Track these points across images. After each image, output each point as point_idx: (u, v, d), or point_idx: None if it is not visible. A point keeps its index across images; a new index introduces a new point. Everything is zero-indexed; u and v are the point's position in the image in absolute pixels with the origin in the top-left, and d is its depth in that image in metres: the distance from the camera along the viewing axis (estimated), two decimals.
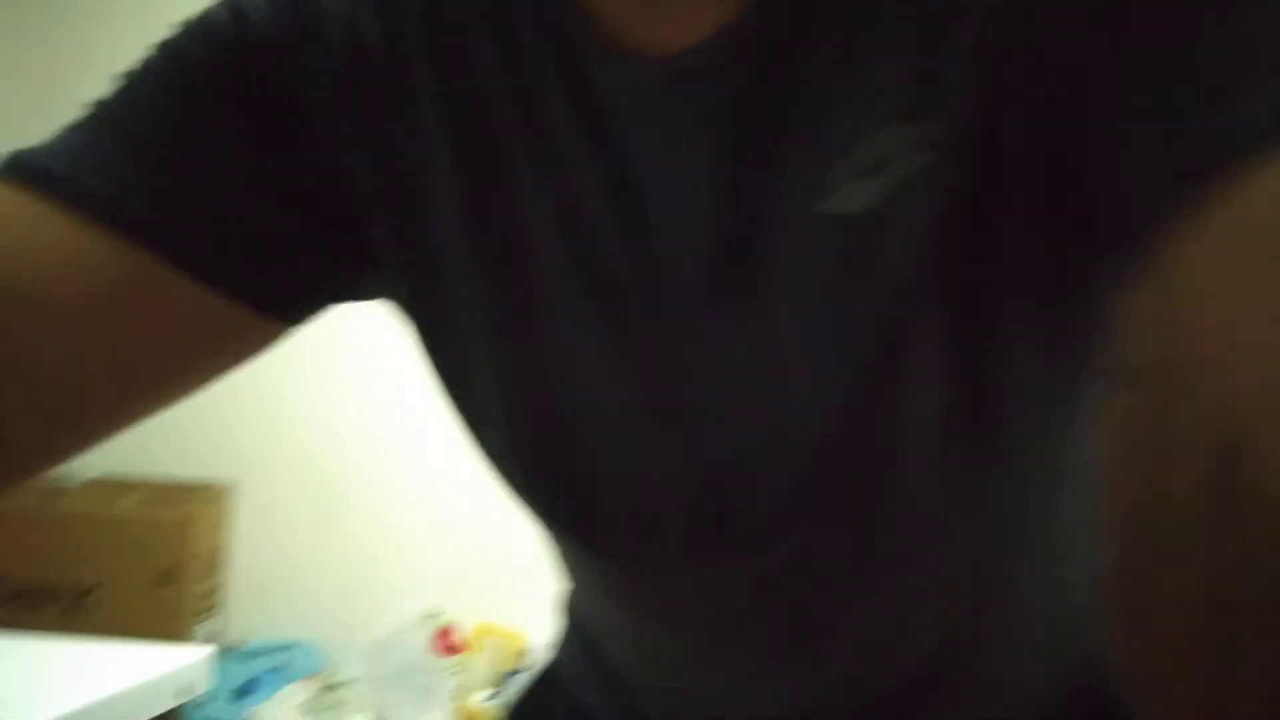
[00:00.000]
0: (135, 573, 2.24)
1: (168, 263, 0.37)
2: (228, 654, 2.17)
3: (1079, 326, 0.39)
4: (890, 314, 0.37)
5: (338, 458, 2.43)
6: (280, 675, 2.23)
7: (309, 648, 2.34)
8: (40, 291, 0.36)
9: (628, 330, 0.41)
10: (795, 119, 0.36)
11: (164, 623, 2.18)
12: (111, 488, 2.37)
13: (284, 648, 2.31)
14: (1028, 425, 0.41)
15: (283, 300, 0.41)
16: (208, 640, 2.22)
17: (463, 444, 0.47)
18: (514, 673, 2.11)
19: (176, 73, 0.40)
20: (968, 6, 0.33)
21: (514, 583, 2.09)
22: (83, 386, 0.38)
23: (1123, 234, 0.30)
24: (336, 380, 2.41)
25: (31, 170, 0.37)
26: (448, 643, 2.26)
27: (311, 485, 2.44)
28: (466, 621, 2.26)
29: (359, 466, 2.42)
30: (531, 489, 0.45)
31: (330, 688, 2.23)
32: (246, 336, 0.41)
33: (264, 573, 2.45)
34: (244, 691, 2.15)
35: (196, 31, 0.41)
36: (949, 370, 0.37)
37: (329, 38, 0.41)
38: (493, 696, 2.11)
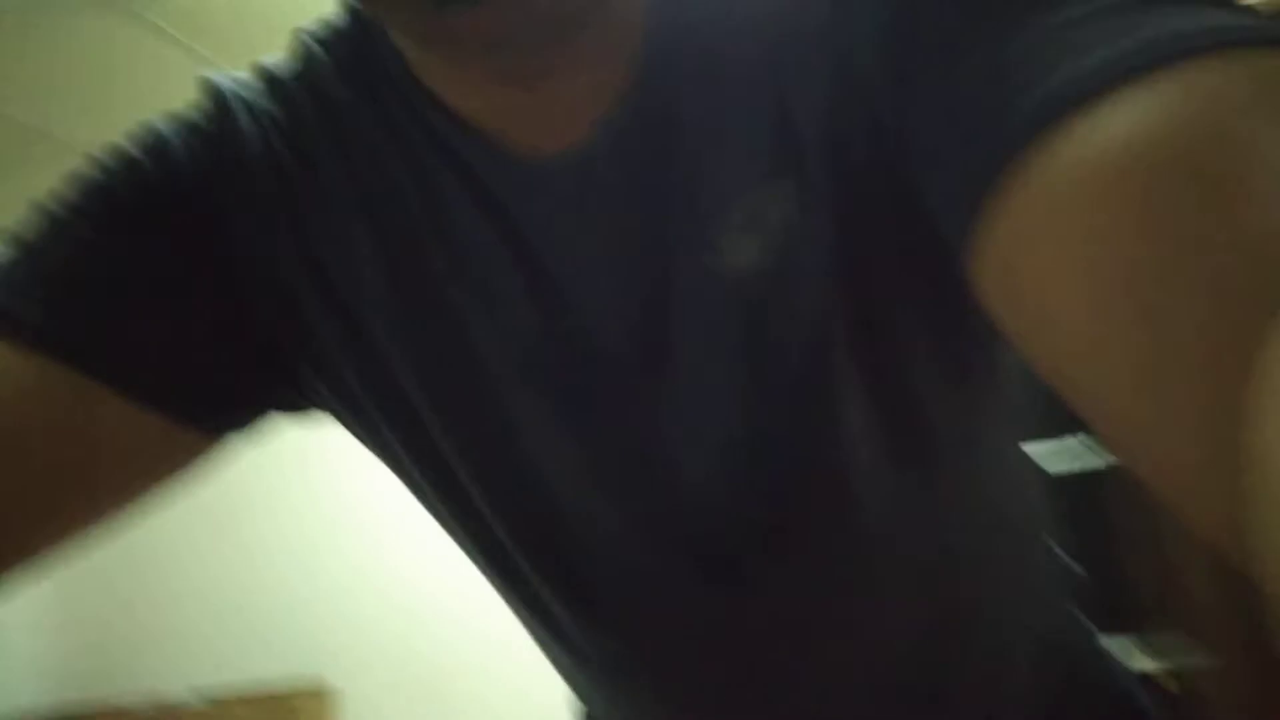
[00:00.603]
0: None
1: (99, 382, 0.38)
2: None
3: (966, 319, 0.41)
4: (798, 350, 0.40)
5: (439, 635, 2.46)
6: None
7: None
8: None
9: (560, 401, 0.43)
10: (676, 190, 0.39)
11: None
12: (225, 705, 2.43)
13: None
14: (944, 420, 0.43)
15: (210, 414, 0.42)
16: None
17: None
18: None
19: (102, 211, 0.41)
20: (811, 70, 0.37)
21: None
22: (27, 503, 0.38)
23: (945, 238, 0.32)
24: (425, 556, 2.45)
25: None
26: None
27: (416, 670, 2.46)
28: None
29: (458, 644, 2.44)
30: (520, 567, 0.47)
31: None
32: (182, 449, 0.42)
33: None
34: None
35: (119, 172, 0.42)
36: (867, 389, 0.40)
37: (246, 165, 0.42)
38: None
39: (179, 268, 0.41)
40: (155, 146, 0.43)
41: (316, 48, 0.45)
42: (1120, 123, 0.25)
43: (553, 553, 0.46)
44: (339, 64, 0.44)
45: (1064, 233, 0.25)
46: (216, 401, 0.42)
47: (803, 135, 0.37)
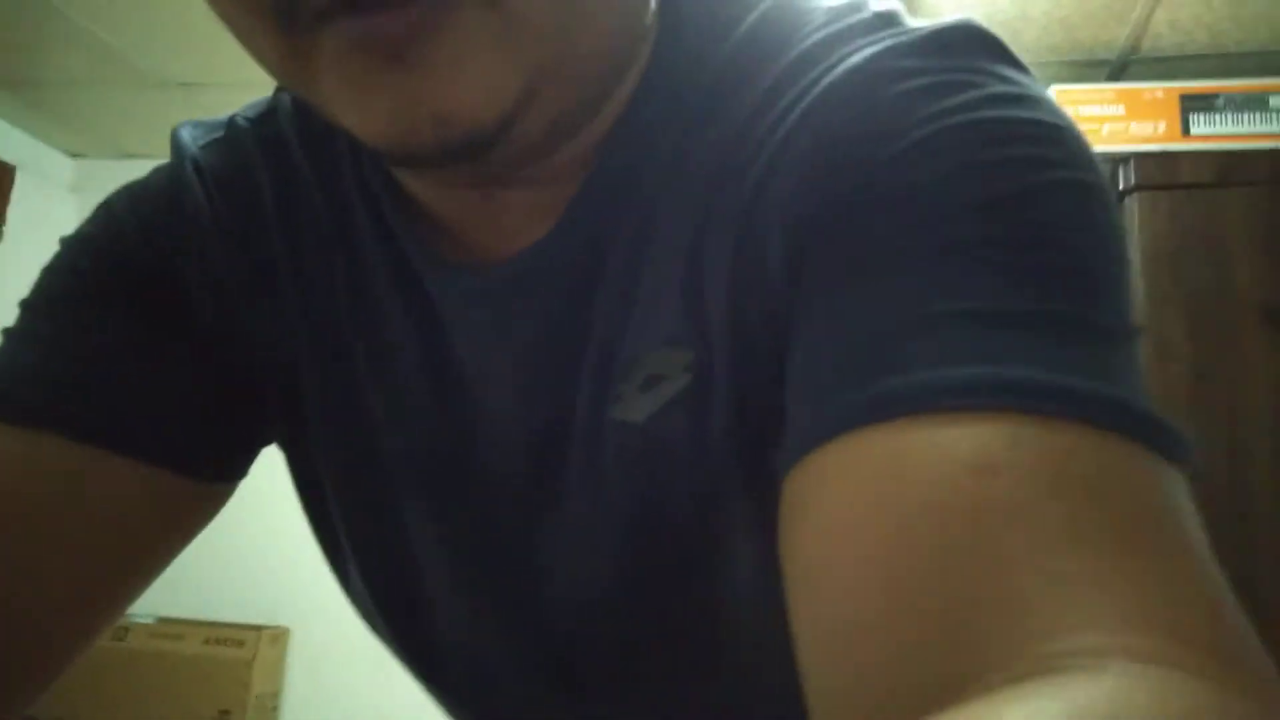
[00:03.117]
0: (196, 712, 2.29)
1: (99, 448, 0.39)
2: None
3: None
4: (690, 500, 0.40)
5: None
6: None
7: None
8: None
9: (450, 515, 0.44)
10: (589, 331, 0.39)
11: None
12: (175, 626, 2.47)
13: None
14: None
15: (204, 462, 0.43)
16: None
17: None
18: None
19: (71, 286, 0.43)
20: (725, 241, 0.36)
21: None
22: (52, 592, 0.39)
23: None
24: None
25: None
26: None
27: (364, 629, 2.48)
28: None
29: None
30: (393, 645, 0.51)
31: None
32: (187, 503, 0.43)
33: (319, 715, 2.46)
34: None
35: (79, 247, 0.44)
36: (759, 530, 0.39)
37: (196, 237, 0.43)
38: None
39: (144, 330, 0.42)
40: (109, 220, 0.44)
41: (287, 101, 0.45)
42: (928, 448, 0.26)
43: (425, 653, 0.49)
44: (303, 126, 0.44)
45: (833, 525, 0.27)
46: (201, 449, 0.43)
47: (710, 306, 0.37)
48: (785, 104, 0.35)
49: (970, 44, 0.34)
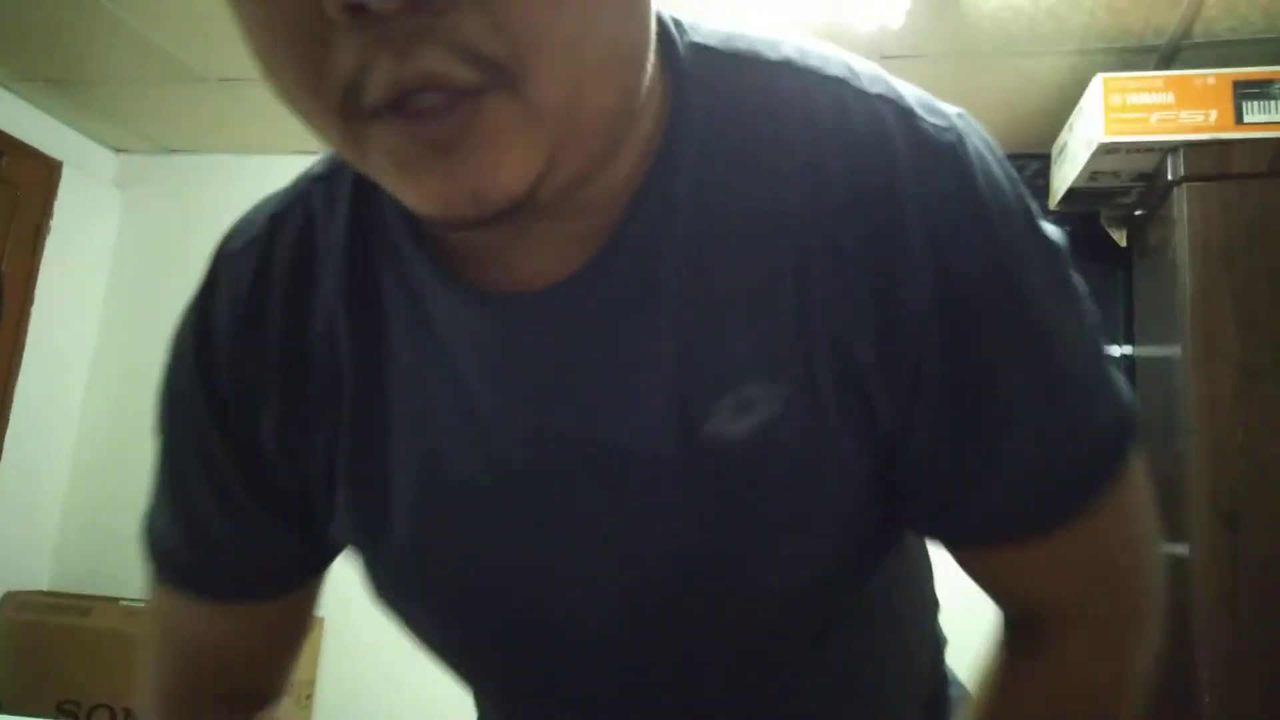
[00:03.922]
0: None
1: (234, 605, 0.52)
2: None
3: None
4: (781, 502, 0.43)
5: None
6: None
7: None
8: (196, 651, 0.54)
9: (488, 527, 0.46)
10: (653, 356, 0.41)
11: None
12: None
13: None
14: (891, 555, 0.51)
15: (312, 575, 0.54)
16: None
17: None
18: None
19: (175, 437, 0.50)
20: (811, 294, 0.40)
21: None
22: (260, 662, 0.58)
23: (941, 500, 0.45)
24: None
25: (160, 567, 0.52)
26: None
27: None
28: None
29: None
30: (458, 667, 0.57)
31: None
32: (296, 609, 0.56)
33: (352, 703, 2.48)
34: None
35: (171, 385, 0.49)
36: (845, 530, 0.45)
37: (228, 351, 0.47)
38: None
39: (244, 480, 0.48)
40: (186, 366, 0.49)
41: (318, 188, 0.48)
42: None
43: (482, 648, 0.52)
44: (332, 204, 0.47)
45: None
46: (316, 565, 0.54)
47: (815, 343, 0.40)
48: (871, 197, 0.40)
49: (976, 135, 0.42)
